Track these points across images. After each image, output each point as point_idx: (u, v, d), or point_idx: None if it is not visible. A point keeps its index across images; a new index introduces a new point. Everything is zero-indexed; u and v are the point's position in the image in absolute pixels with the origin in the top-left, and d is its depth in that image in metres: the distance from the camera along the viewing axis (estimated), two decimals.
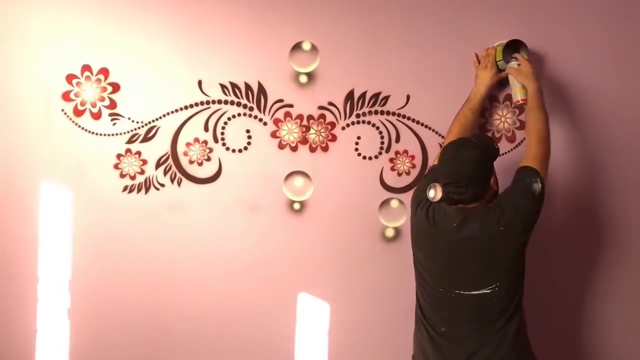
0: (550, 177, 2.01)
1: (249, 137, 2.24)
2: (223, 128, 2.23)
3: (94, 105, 2.19)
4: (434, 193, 1.79)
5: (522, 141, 2.26)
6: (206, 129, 2.22)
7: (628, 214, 2.32)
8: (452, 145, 1.87)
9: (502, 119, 2.27)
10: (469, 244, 1.82)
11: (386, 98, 2.24)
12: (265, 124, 2.24)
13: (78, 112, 2.19)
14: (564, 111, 2.26)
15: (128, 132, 2.20)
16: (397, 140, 2.26)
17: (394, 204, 2.28)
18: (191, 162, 2.23)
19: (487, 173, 1.83)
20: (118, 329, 2.27)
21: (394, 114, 2.25)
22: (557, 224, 2.28)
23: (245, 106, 2.22)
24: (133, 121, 2.20)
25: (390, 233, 2.28)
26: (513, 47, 2.12)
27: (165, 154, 2.22)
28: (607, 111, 2.27)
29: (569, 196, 2.30)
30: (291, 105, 2.23)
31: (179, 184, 2.23)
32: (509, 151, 2.26)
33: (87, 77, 2.18)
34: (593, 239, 2.33)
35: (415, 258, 1.96)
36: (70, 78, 2.17)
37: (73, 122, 2.19)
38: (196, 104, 2.21)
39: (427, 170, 2.20)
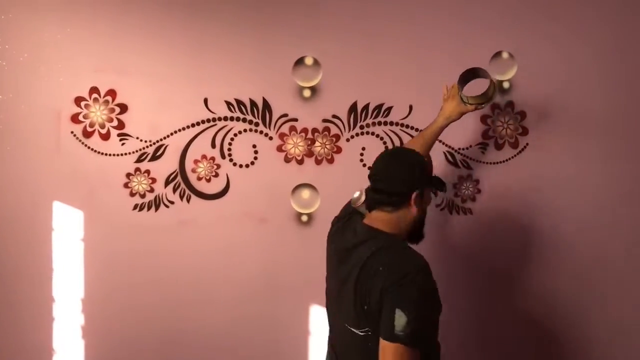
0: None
1: (256, 152, 2.27)
2: (230, 144, 2.26)
3: (102, 127, 2.23)
4: (358, 194, 1.74)
5: (525, 147, 2.29)
6: (213, 145, 2.26)
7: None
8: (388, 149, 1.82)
9: (505, 125, 2.29)
10: (354, 267, 1.58)
11: (389, 109, 2.27)
12: (270, 138, 2.27)
13: (87, 134, 2.23)
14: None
15: (137, 151, 2.25)
16: None
17: None
18: (199, 178, 2.27)
19: (411, 180, 1.61)
20: (131, 344, 2.30)
21: (397, 124, 2.28)
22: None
23: (250, 122, 2.26)
24: (141, 140, 2.24)
25: None
26: (470, 76, 2.01)
27: (174, 172, 2.26)
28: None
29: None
30: (296, 120, 2.27)
31: (188, 201, 2.27)
32: (511, 157, 2.29)
33: (95, 99, 2.22)
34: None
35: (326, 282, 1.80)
36: (78, 100, 2.22)
37: (83, 143, 2.23)
38: (203, 122, 2.25)
39: None
